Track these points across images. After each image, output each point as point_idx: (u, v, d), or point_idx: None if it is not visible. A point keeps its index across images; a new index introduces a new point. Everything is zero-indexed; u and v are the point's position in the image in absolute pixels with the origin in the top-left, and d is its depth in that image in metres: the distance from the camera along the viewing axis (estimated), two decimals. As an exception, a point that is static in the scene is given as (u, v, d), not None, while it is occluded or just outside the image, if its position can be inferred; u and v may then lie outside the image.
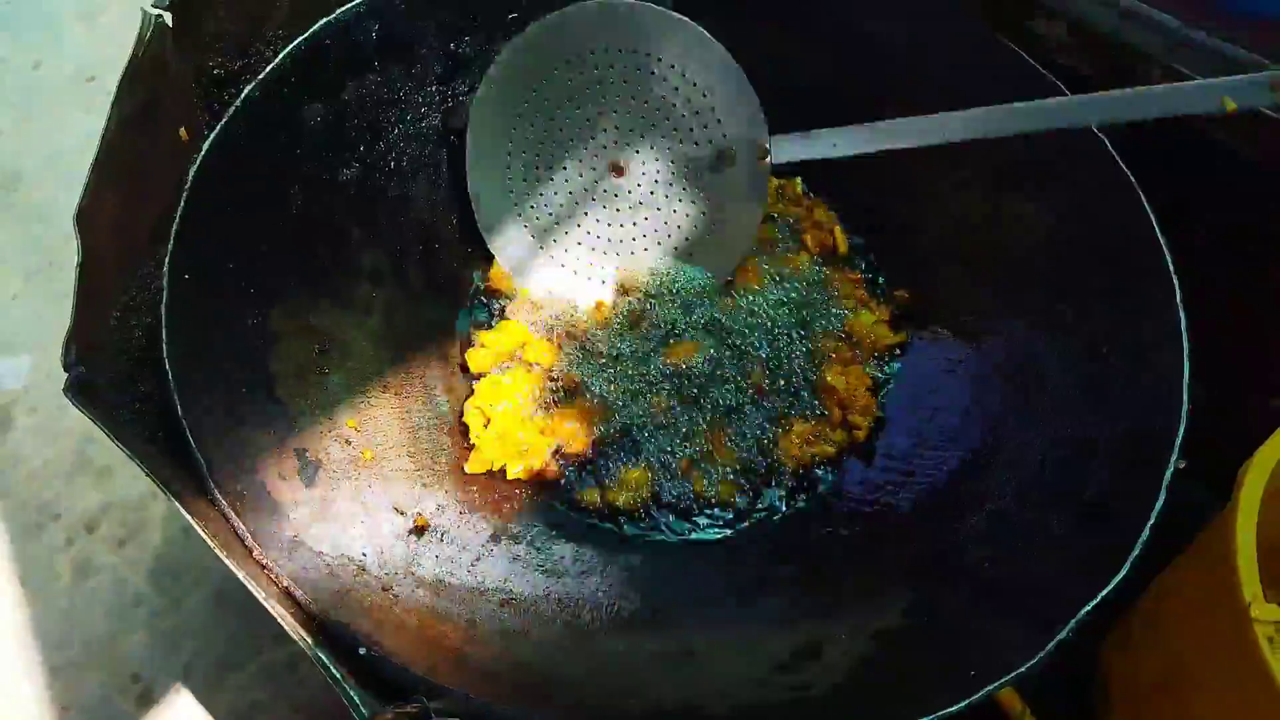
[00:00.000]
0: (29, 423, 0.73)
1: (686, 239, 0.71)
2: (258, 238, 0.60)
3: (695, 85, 0.66)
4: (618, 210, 0.70)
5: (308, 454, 0.56)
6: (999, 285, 0.67)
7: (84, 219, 0.48)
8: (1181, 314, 0.55)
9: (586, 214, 0.71)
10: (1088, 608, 0.47)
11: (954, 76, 0.68)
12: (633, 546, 0.61)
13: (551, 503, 0.63)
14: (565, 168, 0.70)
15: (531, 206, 0.71)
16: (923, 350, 0.70)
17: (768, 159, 0.67)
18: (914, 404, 0.67)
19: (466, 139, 0.70)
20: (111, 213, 0.51)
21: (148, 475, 0.44)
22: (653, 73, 0.66)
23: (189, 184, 0.56)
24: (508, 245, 0.72)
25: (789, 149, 0.67)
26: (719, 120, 0.67)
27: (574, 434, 0.64)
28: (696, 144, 0.68)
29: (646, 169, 0.69)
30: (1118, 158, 0.61)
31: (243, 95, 0.60)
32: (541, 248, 0.72)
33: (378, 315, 0.66)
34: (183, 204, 0.56)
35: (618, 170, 0.69)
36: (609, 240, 0.71)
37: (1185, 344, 0.54)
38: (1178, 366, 0.54)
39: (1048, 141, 0.64)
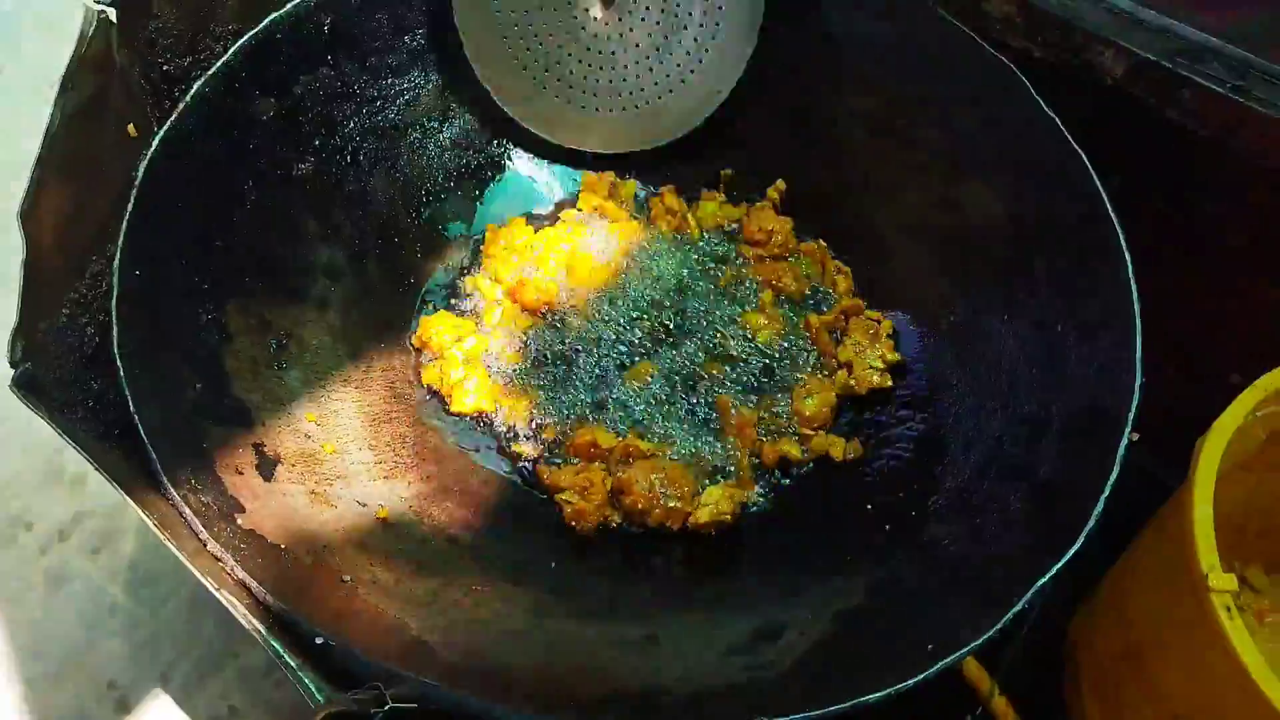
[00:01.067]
0: (-1, 433, 0.73)
1: (678, 64, 0.73)
2: (210, 233, 0.60)
3: None
4: (612, 28, 0.72)
5: (265, 449, 0.55)
6: (956, 268, 0.67)
7: (28, 216, 0.48)
8: (1134, 290, 0.56)
9: (576, 42, 0.73)
10: (1042, 580, 0.47)
11: (905, 57, 0.69)
12: (595, 536, 0.61)
13: (513, 480, 0.63)
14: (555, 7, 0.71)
15: (522, 41, 0.72)
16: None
17: None
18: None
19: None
20: (57, 209, 0.51)
21: (96, 469, 0.44)
22: None
23: (138, 180, 0.56)
24: (499, 79, 0.73)
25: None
26: None
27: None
28: None
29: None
30: (1069, 138, 0.61)
31: (192, 91, 0.59)
32: (534, 80, 0.73)
33: (335, 310, 0.66)
34: (132, 200, 0.55)
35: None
36: (600, 69, 0.73)
37: (1137, 320, 0.55)
38: (1129, 342, 0.54)
39: (1002, 123, 0.65)
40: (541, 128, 0.76)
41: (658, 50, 0.74)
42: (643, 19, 0.73)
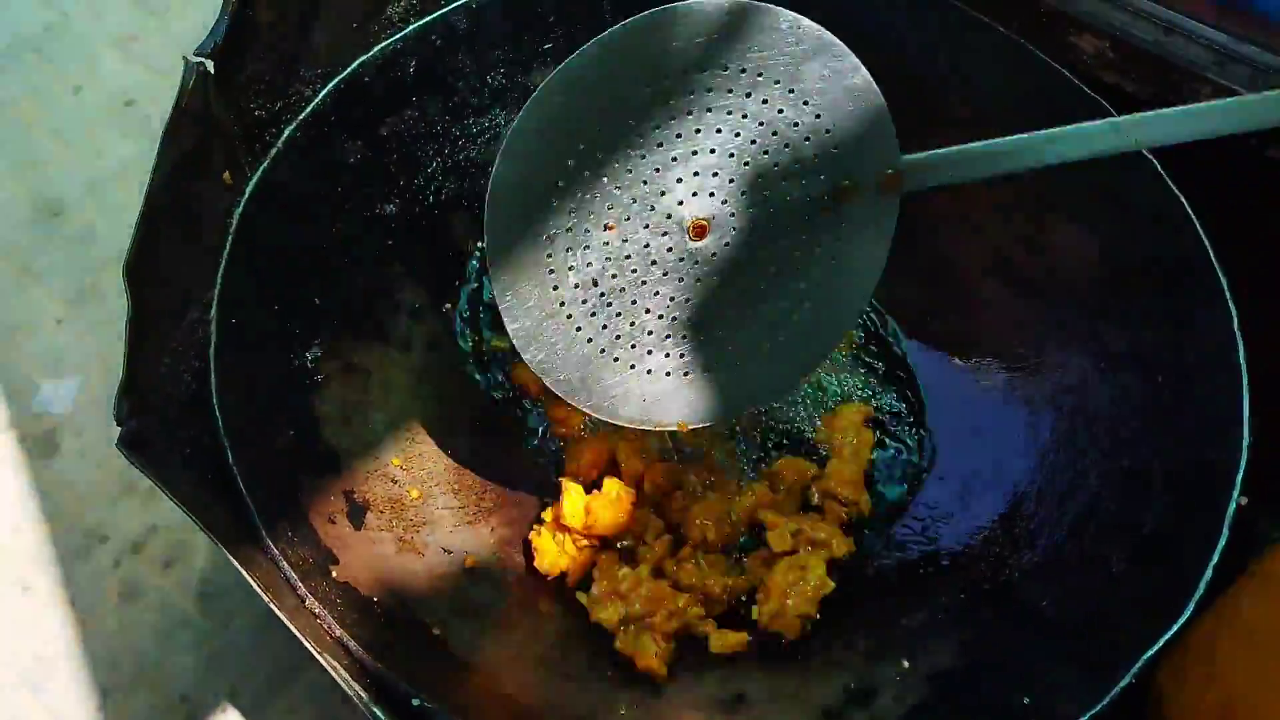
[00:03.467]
0: (75, 446, 0.74)
1: (791, 306, 0.54)
2: (301, 277, 0.61)
3: (808, 105, 0.49)
4: (697, 282, 0.51)
5: (355, 495, 0.56)
6: (1045, 313, 0.66)
7: (133, 272, 0.49)
8: (1239, 341, 0.54)
9: (657, 294, 0.52)
10: (1150, 652, 0.46)
11: (995, 95, 0.67)
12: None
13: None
14: (624, 238, 0.50)
15: (584, 302, 0.52)
16: (967, 382, 0.68)
17: (899, 185, 0.53)
18: (958, 437, 0.66)
19: (486, 220, 0.52)
20: (159, 263, 0.51)
21: (201, 528, 0.44)
22: (748, 95, 0.49)
23: (233, 226, 0.57)
24: (549, 349, 0.53)
25: (921, 174, 0.55)
26: (835, 148, 0.50)
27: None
28: (804, 182, 0.51)
29: (736, 223, 0.51)
30: (1166, 178, 0.60)
31: (283, 136, 0.60)
32: (603, 352, 0.53)
33: (418, 350, 0.66)
34: (228, 248, 0.56)
35: (698, 231, 0.51)
36: (688, 323, 0.53)
37: (1244, 373, 0.53)
38: (1236, 396, 0.53)
39: (1095, 161, 0.63)
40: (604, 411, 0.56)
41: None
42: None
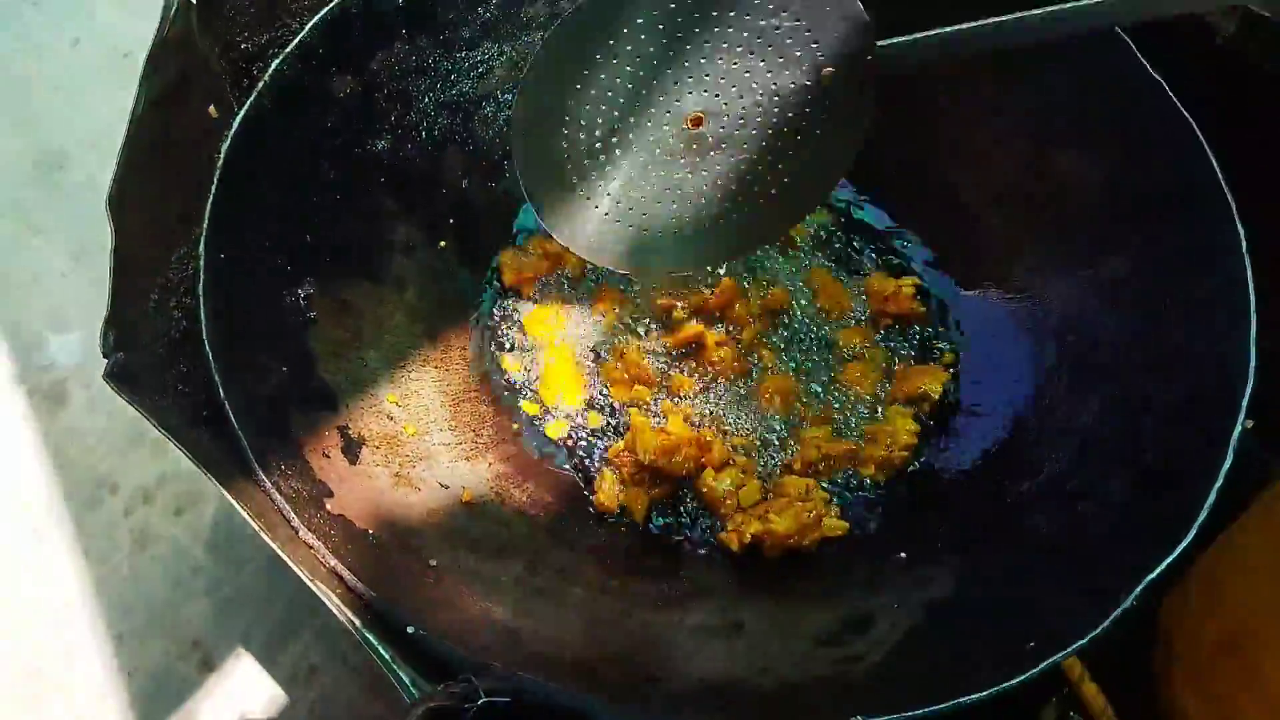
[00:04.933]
0: (84, 397, 0.74)
1: (777, 177, 0.59)
2: (291, 213, 0.60)
3: (786, 11, 0.54)
4: (697, 160, 0.58)
5: (350, 431, 0.55)
6: (1049, 240, 0.65)
7: (115, 203, 0.48)
8: (1248, 265, 0.53)
9: (661, 172, 0.59)
10: (1151, 576, 0.46)
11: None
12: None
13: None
14: (633, 129, 0.57)
15: (595, 175, 0.59)
16: (972, 310, 0.68)
17: (875, 71, 0.56)
18: (963, 365, 0.66)
19: (516, 113, 0.57)
20: (144, 196, 0.51)
21: (190, 459, 0.44)
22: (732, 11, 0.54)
23: (221, 162, 0.56)
24: (569, 221, 0.59)
25: (897, 58, 0.56)
26: (815, 40, 0.55)
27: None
28: (787, 74, 0.56)
29: (729, 111, 0.57)
30: (1176, 101, 0.58)
31: (271, 69, 0.59)
32: (607, 214, 0.59)
33: (413, 289, 0.65)
34: (215, 182, 0.55)
35: (696, 122, 0.58)
36: (683, 193, 0.59)
37: (1252, 297, 0.52)
38: (1244, 322, 0.51)
39: (1101, 85, 0.62)
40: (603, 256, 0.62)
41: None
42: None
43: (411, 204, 0.67)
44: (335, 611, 0.42)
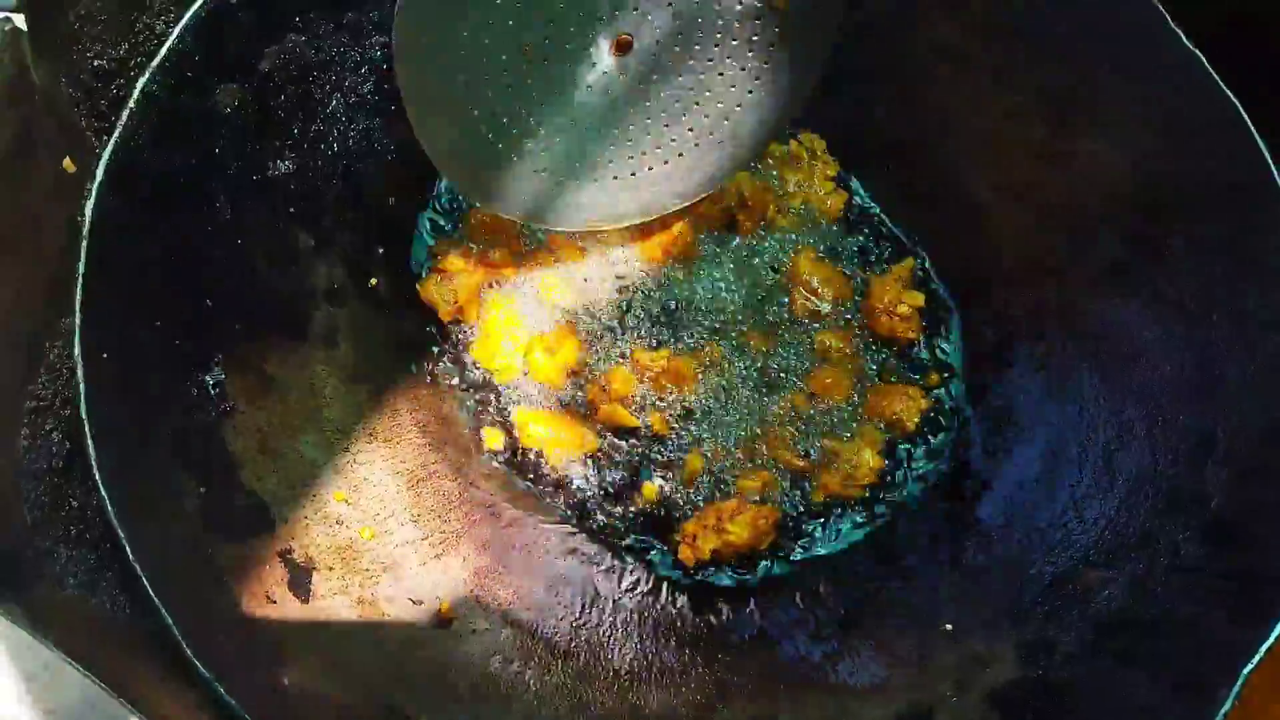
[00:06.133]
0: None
1: (724, 113, 0.53)
2: (183, 275, 0.48)
3: None
4: (628, 101, 0.51)
5: (294, 554, 0.45)
6: (1066, 239, 0.57)
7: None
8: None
9: (587, 113, 0.52)
10: (1249, 668, 0.40)
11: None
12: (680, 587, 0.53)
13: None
14: (547, 59, 0.49)
15: (508, 122, 0.51)
16: (982, 332, 0.61)
17: None
18: (982, 402, 0.59)
19: (395, 50, 0.48)
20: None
21: (83, 674, 0.34)
22: None
23: (87, 227, 0.43)
24: (497, 185, 0.53)
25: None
26: None
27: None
28: None
29: (659, 28, 0.49)
30: (1219, 80, 0.51)
31: (136, 91, 0.46)
32: (537, 169, 0.53)
33: (344, 343, 0.55)
34: (83, 255, 0.43)
35: (621, 47, 0.50)
36: (621, 141, 0.53)
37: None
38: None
39: (1127, 60, 0.54)
40: (536, 215, 0.57)
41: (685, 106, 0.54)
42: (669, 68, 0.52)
43: (329, 236, 0.56)
44: None
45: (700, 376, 0.59)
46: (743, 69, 0.52)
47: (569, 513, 0.56)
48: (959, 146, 0.61)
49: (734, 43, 0.51)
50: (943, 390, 0.60)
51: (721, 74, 0.53)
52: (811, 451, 0.58)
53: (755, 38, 0.51)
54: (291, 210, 0.54)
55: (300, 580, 0.44)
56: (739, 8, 0.49)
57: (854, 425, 0.59)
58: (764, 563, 0.55)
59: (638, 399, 0.58)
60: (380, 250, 0.58)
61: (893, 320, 0.60)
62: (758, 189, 0.62)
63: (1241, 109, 0.50)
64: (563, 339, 0.59)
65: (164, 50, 0.47)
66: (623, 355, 0.59)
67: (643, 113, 0.54)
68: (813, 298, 0.61)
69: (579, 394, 0.58)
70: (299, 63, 0.54)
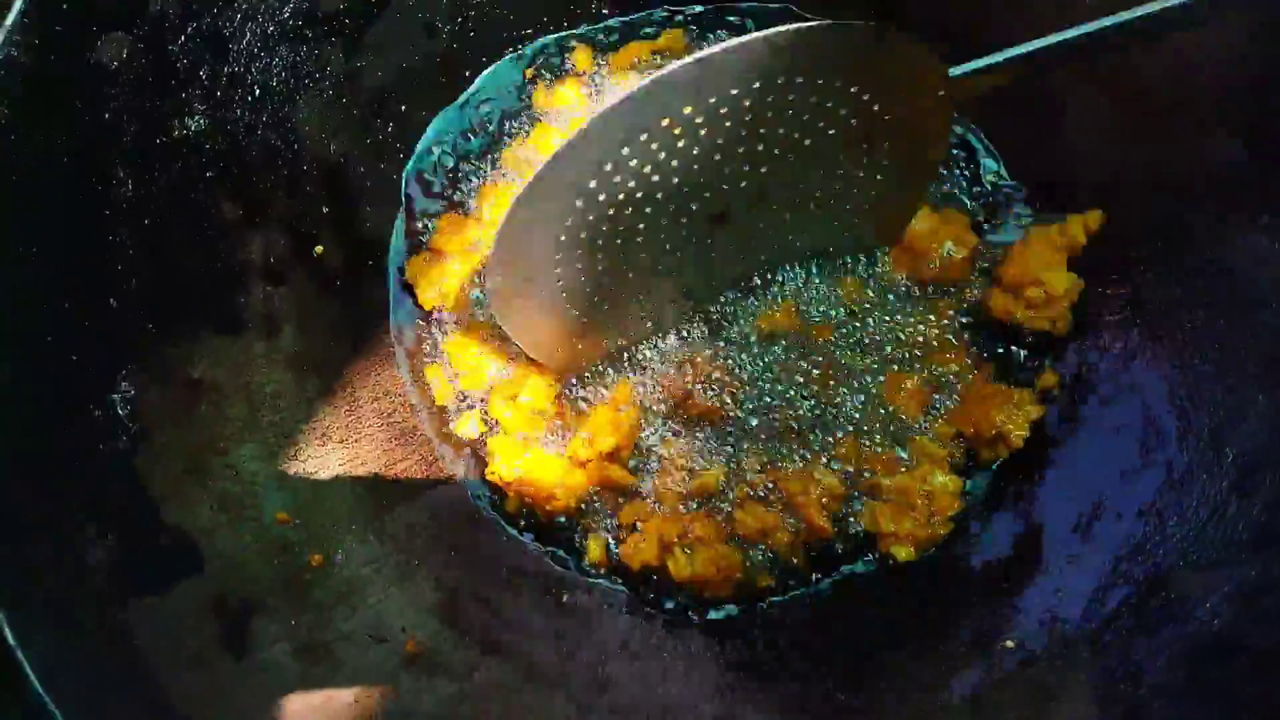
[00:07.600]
0: None
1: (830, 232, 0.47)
2: (77, 270, 0.41)
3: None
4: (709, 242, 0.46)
5: (229, 600, 0.39)
6: (1156, 140, 0.45)
7: None
8: None
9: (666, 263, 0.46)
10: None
11: None
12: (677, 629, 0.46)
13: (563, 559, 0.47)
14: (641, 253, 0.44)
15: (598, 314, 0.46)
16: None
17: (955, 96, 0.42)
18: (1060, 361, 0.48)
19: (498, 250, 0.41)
20: None
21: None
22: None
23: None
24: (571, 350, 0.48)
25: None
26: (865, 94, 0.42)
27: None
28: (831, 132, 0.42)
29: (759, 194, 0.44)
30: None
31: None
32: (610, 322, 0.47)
33: (288, 327, 0.47)
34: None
35: (717, 219, 0.45)
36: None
37: None
38: None
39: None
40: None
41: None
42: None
43: (261, 200, 0.47)
44: None
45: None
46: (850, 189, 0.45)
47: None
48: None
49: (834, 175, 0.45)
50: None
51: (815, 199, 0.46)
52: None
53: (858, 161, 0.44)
54: (209, 174, 0.45)
55: (234, 630, 0.39)
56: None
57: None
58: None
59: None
60: (325, 210, 0.49)
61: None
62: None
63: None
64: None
65: (18, 3, 0.39)
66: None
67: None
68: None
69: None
70: (200, -8, 0.45)
